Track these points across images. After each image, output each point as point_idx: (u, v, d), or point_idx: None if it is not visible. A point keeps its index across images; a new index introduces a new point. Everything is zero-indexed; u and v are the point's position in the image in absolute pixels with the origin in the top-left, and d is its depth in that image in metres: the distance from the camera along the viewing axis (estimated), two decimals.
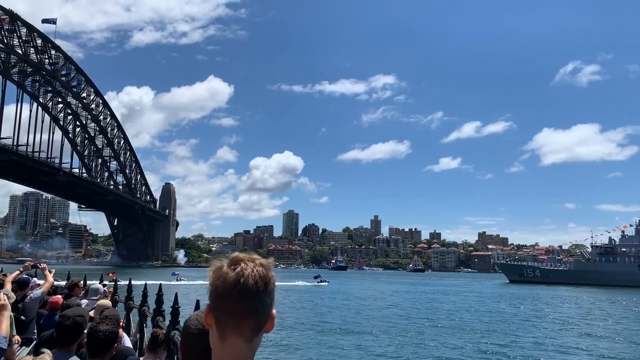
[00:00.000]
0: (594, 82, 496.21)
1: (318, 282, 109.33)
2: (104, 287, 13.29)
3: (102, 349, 5.00)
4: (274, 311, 1.87)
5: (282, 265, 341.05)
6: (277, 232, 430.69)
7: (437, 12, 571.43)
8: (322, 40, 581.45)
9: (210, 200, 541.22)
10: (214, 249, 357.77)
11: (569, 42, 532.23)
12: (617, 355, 30.28)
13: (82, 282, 12.46)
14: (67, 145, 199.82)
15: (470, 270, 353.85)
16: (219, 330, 1.82)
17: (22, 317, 8.73)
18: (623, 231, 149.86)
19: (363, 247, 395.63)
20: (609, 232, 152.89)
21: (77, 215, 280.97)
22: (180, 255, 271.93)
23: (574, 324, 45.57)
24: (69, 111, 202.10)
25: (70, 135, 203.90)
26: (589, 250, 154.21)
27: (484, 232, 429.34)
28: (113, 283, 17.42)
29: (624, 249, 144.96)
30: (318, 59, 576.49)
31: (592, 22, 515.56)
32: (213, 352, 1.87)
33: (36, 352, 5.70)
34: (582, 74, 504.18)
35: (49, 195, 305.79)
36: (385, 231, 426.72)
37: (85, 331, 5.41)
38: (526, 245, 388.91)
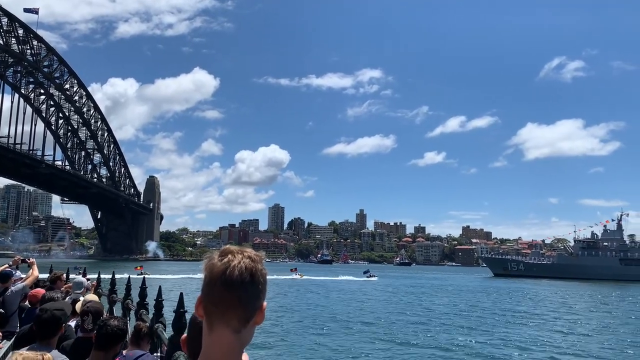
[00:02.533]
0: (578, 78, 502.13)
1: (367, 277, 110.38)
2: (87, 280, 13.13)
3: (108, 343, 4.99)
4: (264, 303, 1.89)
5: (267, 259, 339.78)
6: (263, 226, 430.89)
7: (423, 7, 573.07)
8: (309, 34, 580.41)
9: (195, 193, 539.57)
10: (198, 242, 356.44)
11: (554, 37, 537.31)
12: (599, 348, 30.70)
13: (64, 275, 12.30)
14: (50, 138, 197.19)
15: (454, 264, 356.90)
16: (207, 320, 1.86)
17: (1, 310, 8.59)
18: (605, 226, 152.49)
19: (348, 241, 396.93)
20: (592, 227, 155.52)
21: (60, 208, 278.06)
22: (151, 246, 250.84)
23: (562, 318, 46.13)
24: (52, 103, 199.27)
25: (53, 127, 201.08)
26: (572, 244, 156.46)
27: (468, 226, 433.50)
28: (96, 276, 17.22)
29: (606, 243, 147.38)
30: (305, 52, 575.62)
31: (578, 17, 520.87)
32: (203, 342, 1.90)
33: (16, 346, 5.57)
34: (567, 70, 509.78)
35: (31, 188, 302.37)
36: (370, 225, 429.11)
37: (64, 325, 5.32)
38: (509, 240, 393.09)
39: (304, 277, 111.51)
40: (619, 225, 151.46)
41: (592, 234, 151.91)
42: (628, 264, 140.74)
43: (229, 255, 1.86)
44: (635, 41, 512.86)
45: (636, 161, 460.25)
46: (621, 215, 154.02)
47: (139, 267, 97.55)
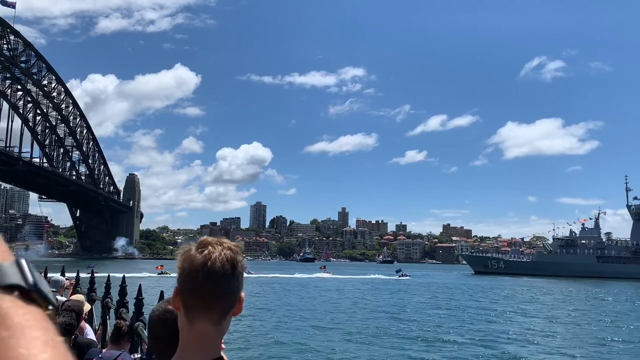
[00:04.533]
0: (558, 78, 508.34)
1: (399, 276, 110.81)
2: (66, 279, 12.89)
3: None
4: (242, 294, 1.90)
5: (249, 257, 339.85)
6: (245, 224, 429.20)
7: (406, 7, 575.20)
8: (293, 31, 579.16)
9: (175, 191, 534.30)
10: (179, 241, 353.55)
11: (535, 37, 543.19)
12: (572, 344, 31.17)
13: (42, 273, 12.03)
14: (27, 134, 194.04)
15: (434, 261, 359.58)
16: (186, 312, 1.84)
17: None
18: (583, 224, 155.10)
19: (331, 239, 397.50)
20: (570, 225, 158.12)
21: (38, 206, 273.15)
22: (120, 243, 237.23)
23: (543, 315, 46.74)
24: (29, 99, 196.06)
25: (31, 124, 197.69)
26: (551, 242, 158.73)
27: (449, 224, 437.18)
28: (74, 275, 16.93)
29: (584, 241, 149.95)
30: (288, 50, 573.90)
31: (558, 17, 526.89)
32: (181, 334, 1.89)
33: None
34: (547, 70, 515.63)
35: (8, 186, 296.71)
36: (352, 223, 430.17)
37: None
38: (489, 238, 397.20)
39: (333, 276, 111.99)
40: (597, 224, 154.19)
41: (571, 232, 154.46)
42: (605, 262, 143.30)
43: (209, 247, 1.84)
44: (613, 42, 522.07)
45: (613, 160, 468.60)
46: (599, 214, 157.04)
47: (159, 267, 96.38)
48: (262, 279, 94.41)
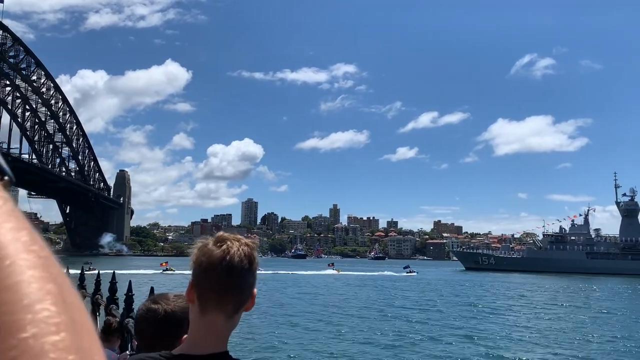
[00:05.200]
0: (548, 75, 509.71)
1: (407, 273, 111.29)
2: None
3: None
4: (255, 290, 1.95)
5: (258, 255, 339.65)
6: (236, 220, 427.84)
7: (398, 3, 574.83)
8: (284, 28, 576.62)
9: (166, 188, 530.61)
10: (170, 237, 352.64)
11: (526, 34, 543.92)
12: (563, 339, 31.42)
13: None
14: (16, 130, 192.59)
15: (425, 257, 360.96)
16: (201, 305, 1.89)
17: None
18: (573, 220, 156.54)
19: (322, 235, 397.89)
20: (560, 222, 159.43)
21: (27, 202, 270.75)
22: (105, 240, 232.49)
23: (538, 310, 47.08)
24: (18, 94, 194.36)
25: (19, 120, 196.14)
26: (541, 238, 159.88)
27: (439, 221, 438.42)
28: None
29: (573, 238, 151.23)
30: (280, 46, 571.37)
31: (550, 14, 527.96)
32: (191, 326, 1.95)
33: None
34: (537, 67, 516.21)
35: None
36: (344, 220, 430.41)
37: None
38: (480, 234, 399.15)
39: (341, 273, 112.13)
40: (586, 220, 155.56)
41: (561, 228, 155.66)
42: (594, 258, 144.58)
43: (227, 242, 1.90)
44: (602, 41, 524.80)
45: (603, 157, 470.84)
46: (588, 210, 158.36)
47: (164, 264, 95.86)
48: (269, 275, 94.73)
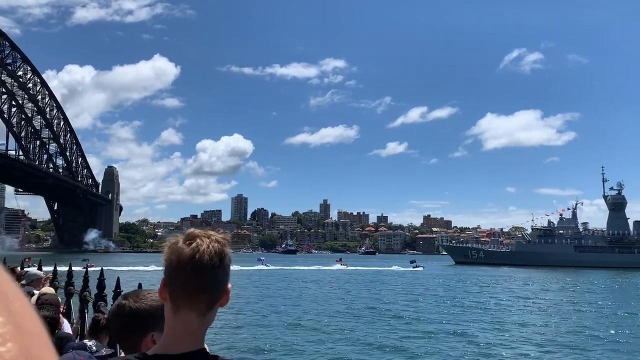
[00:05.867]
0: (537, 70, 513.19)
1: (414, 267, 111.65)
2: (43, 274, 12.64)
3: None
4: (229, 286, 1.93)
5: (230, 250, 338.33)
6: (226, 216, 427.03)
7: None
8: (273, 22, 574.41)
9: (154, 184, 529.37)
10: (159, 234, 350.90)
11: (515, 28, 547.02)
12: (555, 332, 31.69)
13: (18, 267, 11.83)
14: (2, 126, 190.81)
15: (415, 252, 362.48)
16: (173, 303, 1.86)
17: None
18: (561, 214, 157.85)
19: (312, 231, 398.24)
20: (548, 216, 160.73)
21: (14, 199, 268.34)
22: (90, 236, 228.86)
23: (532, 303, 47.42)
24: (4, 90, 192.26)
25: (6, 116, 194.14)
26: (529, 232, 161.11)
27: (429, 215, 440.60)
28: (52, 268, 16.61)
29: (562, 231, 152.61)
30: (269, 41, 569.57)
31: (537, 9, 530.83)
32: (166, 324, 1.91)
33: None
34: (525, 62, 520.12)
35: None
36: (334, 215, 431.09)
37: None
38: (469, 228, 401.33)
39: (349, 267, 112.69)
40: (574, 214, 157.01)
41: (549, 222, 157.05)
42: (582, 251, 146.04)
43: (197, 240, 1.88)
44: (589, 35, 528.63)
45: (590, 151, 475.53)
46: (576, 204, 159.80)
47: None
48: (276, 271, 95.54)
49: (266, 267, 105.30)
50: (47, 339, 0.75)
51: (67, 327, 8.11)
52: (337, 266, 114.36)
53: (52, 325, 4.80)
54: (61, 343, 5.82)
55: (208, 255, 1.83)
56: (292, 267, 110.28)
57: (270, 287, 60.86)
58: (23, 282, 10.01)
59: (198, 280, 1.82)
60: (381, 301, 46.99)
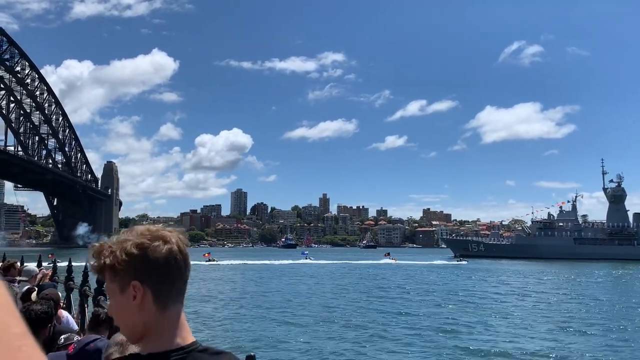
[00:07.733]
0: (536, 62, 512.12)
1: (457, 261, 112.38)
2: (40, 269, 12.60)
3: (35, 328, 4.67)
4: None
5: (230, 245, 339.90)
6: (225, 211, 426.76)
7: None
8: (272, 16, 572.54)
9: (154, 179, 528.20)
10: None
11: (514, 21, 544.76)
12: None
13: (18, 263, 11.79)
14: (1, 122, 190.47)
15: (415, 245, 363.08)
16: (159, 302, 1.88)
17: None
18: (561, 207, 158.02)
19: (312, 225, 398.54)
20: (548, 208, 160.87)
21: (13, 195, 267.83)
22: (80, 231, 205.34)
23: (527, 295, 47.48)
24: (2, 86, 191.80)
25: (4, 112, 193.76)
26: (529, 225, 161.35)
27: (429, 209, 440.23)
28: (52, 265, 16.65)
29: (561, 224, 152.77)
30: (268, 35, 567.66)
31: (537, 1, 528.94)
32: (148, 324, 1.90)
33: None
34: (525, 55, 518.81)
35: None
36: (333, 209, 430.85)
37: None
38: (468, 221, 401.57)
39: (398, 262, 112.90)
40: (574, 207, 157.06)
41: (549, 215, 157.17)
42: (582, 244, 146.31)
43: (167, 237, 1.99)
44: (589, 27, 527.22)
45: (589, 144, 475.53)
46: (576, 197, 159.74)
47: (207, 254, 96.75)
48: (323, 265, 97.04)
49: (311, 261, 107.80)
50: (14, 308, 0.75)
51: (71, 321, 8.08)
52: (386, 260, 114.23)
53: (43, 320, 4.81)
54: (56, 337, 5.79)
55: (183, 245, 1.99)
56: (341, 261, 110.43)
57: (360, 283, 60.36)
58: (24, 278, 9.97)
59: (184, 273, 1.96)
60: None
